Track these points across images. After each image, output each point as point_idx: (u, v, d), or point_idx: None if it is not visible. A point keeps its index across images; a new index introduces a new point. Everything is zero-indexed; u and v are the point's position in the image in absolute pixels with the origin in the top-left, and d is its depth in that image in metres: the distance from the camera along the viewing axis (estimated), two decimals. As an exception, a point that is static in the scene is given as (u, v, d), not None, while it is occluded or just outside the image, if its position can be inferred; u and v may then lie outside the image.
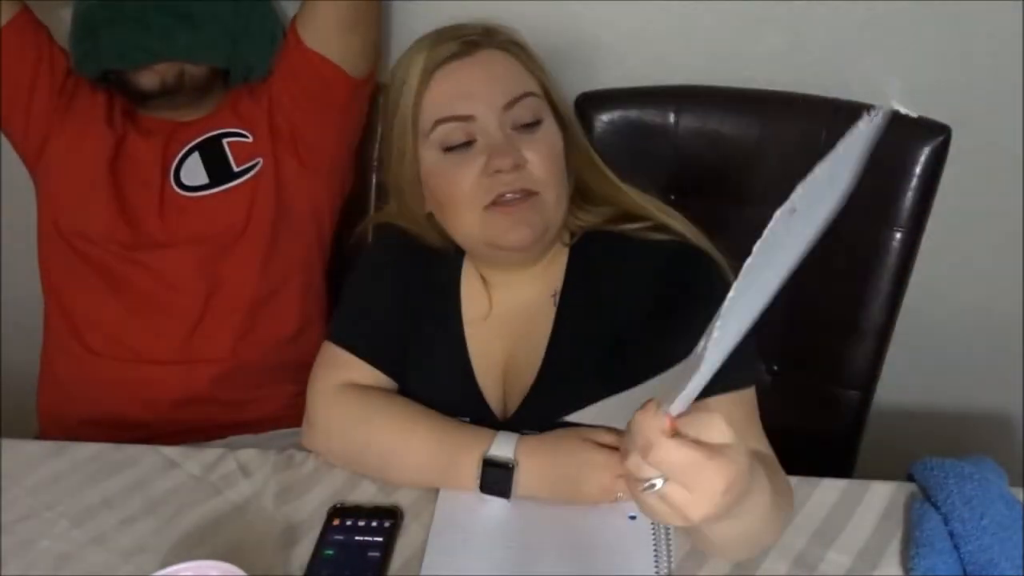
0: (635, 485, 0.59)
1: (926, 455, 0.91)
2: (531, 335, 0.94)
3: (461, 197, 0.88)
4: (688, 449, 0.56)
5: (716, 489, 0.57)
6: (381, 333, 0.97)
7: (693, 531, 0.77)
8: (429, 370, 0.97)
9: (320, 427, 0.94)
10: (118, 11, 1.17)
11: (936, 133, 1.09)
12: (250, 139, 1.26)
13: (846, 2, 1.27)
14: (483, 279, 0.98)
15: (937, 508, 0.84)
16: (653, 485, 0.57)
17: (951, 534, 0.81)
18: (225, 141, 1.25)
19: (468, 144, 0.88)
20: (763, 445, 0.85)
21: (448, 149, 0.89)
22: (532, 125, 0.89)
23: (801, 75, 1.31)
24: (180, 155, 1.25)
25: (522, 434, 0.88)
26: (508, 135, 0.88)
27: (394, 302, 0.99)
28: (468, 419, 0.92)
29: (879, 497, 0.89)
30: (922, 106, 1.08)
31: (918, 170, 1.09)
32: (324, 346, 0.98)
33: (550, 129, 0.91)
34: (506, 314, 0.97)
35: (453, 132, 0.88)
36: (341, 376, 0.95)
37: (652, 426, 0.57)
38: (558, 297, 0.95)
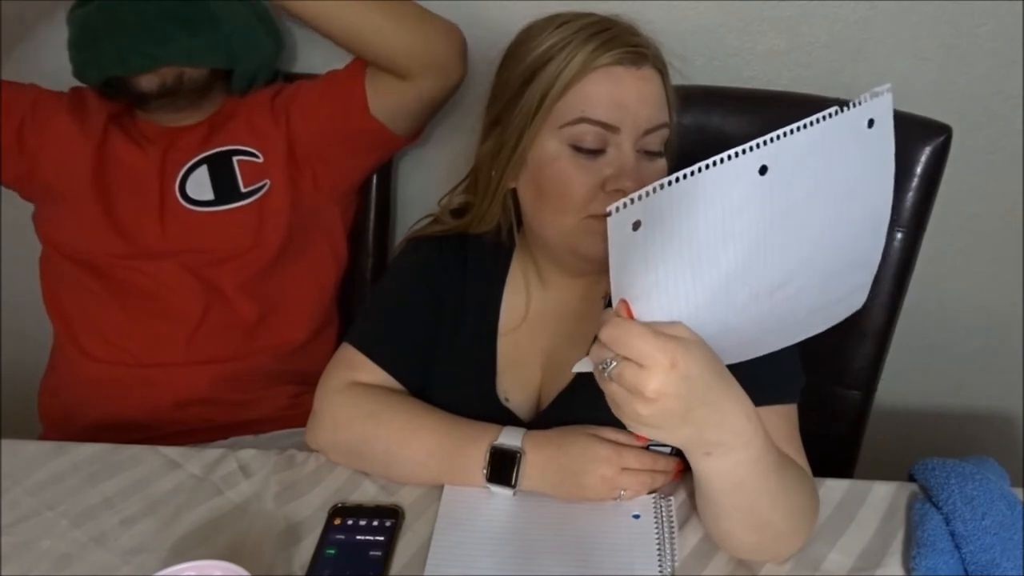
0: (599, 376, 0.64)
1: (927, 455, 0.91)
2: (576, 334, 0.95)
3: (572, 199, 0.87)
4: (634, 324, 0.62)
5: (662, 362, 0.61)
6: (401, 342, 0.97)
7: (696, 484, 0.77)
8: (453, 380, 0.98)
9: (326, 421, 0.94)
10: (117, 16, 1.16)
11: (936, 133, 1.09)
12: (260, 159, 1.24)
13: (846, 2, 1.27)
14: (528, 283, 0.99)
15: (938, 508, 0.84)
16: (608, 365, 0.63)
17: (952, 534, 0.81)
18: (235, 159, 1.23)
19: (597, 152, 0.87)
20: (799, 458, 0.85)
21: (577, 148, 0.87)
22: (653, 154, 0.89)
23: (801, 75, 1.32)
24: (188, 166, 1.23)
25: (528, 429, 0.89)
26: (636, 157, 0.87)
27: (423, 313, 0.98)
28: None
29: (880, 497, 0.89)
30: (922, 106, 1.09)
31: (919, 170, 1.09)
32: (342, 347, 0.99)
33: (662, 162, 0.91)
34: (552, 313, 0.98)
35: (590, 134, 0.86)
36: (353, 376, 0.95)
37: (609, 311, 0.64)
38: (608, 300, 0.95)
